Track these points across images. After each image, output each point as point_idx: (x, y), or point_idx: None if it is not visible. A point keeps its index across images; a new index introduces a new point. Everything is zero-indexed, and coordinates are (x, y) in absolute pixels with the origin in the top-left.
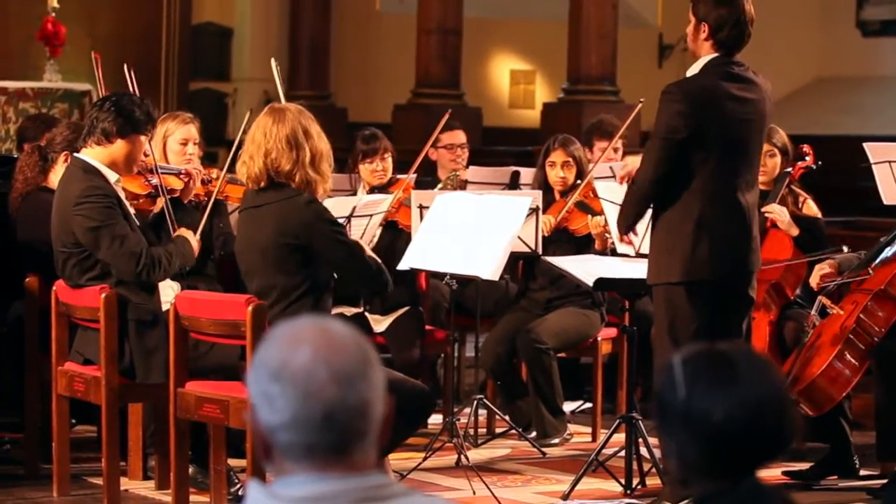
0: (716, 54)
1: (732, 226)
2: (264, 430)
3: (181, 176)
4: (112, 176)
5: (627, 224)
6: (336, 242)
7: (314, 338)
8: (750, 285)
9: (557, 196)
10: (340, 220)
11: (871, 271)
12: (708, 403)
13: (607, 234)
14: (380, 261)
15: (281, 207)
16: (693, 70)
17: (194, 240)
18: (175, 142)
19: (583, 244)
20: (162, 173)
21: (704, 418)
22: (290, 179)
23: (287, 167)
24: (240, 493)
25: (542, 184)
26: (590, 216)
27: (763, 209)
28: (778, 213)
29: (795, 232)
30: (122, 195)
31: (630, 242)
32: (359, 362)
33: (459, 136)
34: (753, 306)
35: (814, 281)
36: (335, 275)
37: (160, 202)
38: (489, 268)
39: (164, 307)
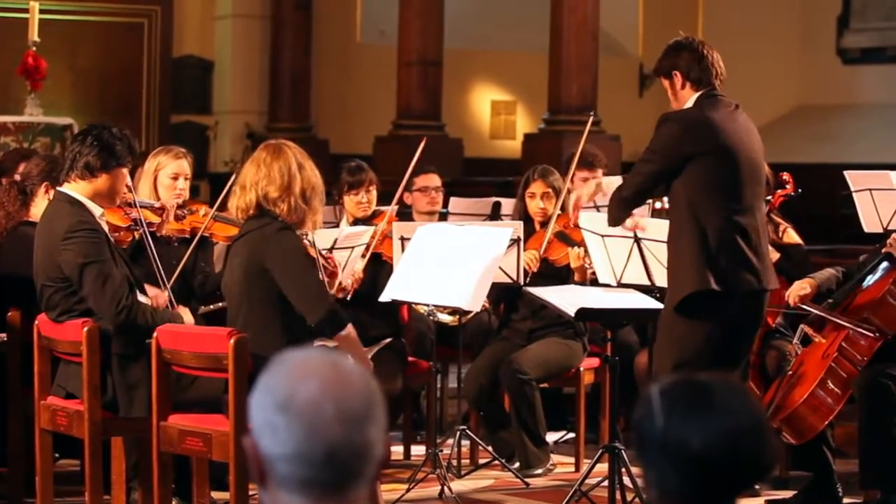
0: (700, 92)
1: (741, 245)
2: (263, 458)
3: (156, 210)
4: (97, 210)
5: (615, 222)
6: (289, 270)
7: (323, 371)
8: (763, 306)
9: (537, 227)
10: (323, 251)
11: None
12: (686, 432)
13: (587, 266)
14: (336, 306)
15: (252, 237)
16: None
17: (189, 319)
18: (166, 176)
19: (563, 274)
20: (140, 207)
21: (683, 447)
22: (278, 206)
23: (276, 194)
24: None
25: (522, 215)
26: (570, 247)
27: None
28: None
29: (775, 256)
30: (107, 229)
31: (637, 227)
32: (366, 403)
33: (434, 180)
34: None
35: (792, 299)
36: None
37: (138, 234)
38: (470, 299)
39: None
